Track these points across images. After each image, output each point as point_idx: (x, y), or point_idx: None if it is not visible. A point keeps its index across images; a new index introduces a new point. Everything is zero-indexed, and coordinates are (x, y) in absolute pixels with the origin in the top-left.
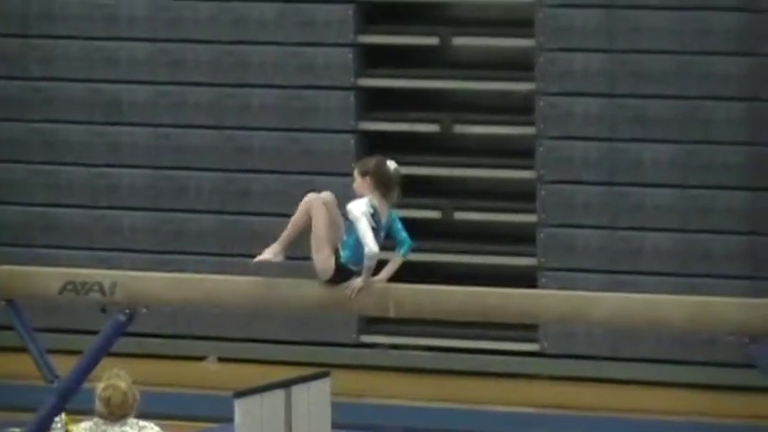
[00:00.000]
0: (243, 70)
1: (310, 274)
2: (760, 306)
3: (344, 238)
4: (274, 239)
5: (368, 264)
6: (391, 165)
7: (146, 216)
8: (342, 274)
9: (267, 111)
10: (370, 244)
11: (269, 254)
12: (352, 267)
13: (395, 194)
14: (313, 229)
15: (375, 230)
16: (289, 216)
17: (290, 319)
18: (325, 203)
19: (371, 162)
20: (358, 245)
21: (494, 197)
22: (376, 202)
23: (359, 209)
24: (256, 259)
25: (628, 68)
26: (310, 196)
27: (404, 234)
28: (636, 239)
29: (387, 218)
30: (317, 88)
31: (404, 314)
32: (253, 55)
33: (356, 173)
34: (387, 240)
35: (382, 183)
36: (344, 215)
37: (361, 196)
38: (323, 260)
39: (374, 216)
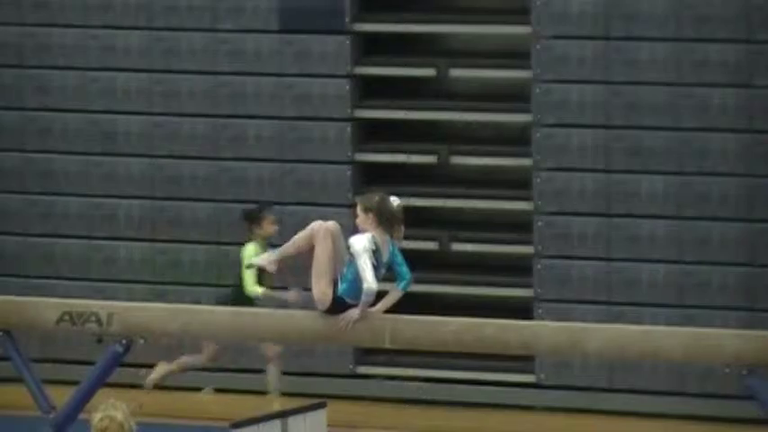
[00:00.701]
0: (238, 101)
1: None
2: (756, 337)
3: (344, 271)
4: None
5: (365, 299)
6: (394, 201)
7: (142, 247)
8: (338, 306)
9: (263, 142)
10: (370, 280)
11: (263, 260)
12: (349, 301)
13: (399, 231)
14: (315, 257)
15: (375, 267)
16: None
17: (286, 349)
18: (331, 233)
19: (374, 198)
20: (356, 279)
21: (490, 228)
22: (378, 239)
23: (361, 244)
24: (252, 260)
25: (623, 100)
26: (317, 223)
27: (404, 269)
28: (632, 270)
29: (388, 254)
30: (313, 119)
31: (400, 345)
32: (248, 86)
33: (359, 209)
34: (386, 272)
35: (385, 219)
36: (347, 247)
37: (363, 231)
38: (321, 291)
39: (376, 253)
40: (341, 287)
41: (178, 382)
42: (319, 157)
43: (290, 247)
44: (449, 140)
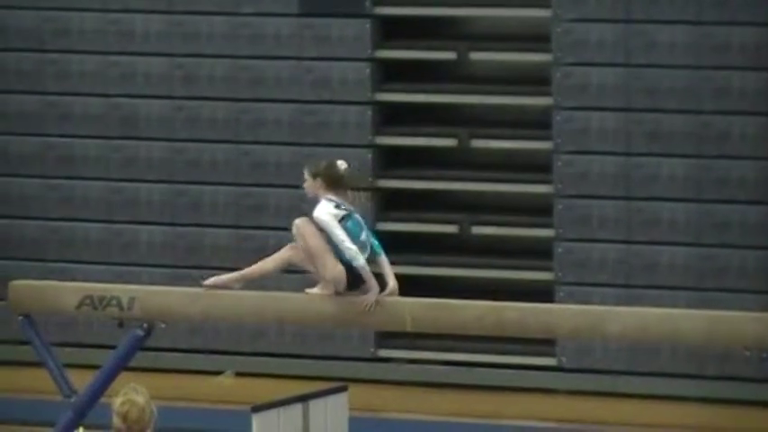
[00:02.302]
0: (258, 85)
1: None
2: None
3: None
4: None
5: (364, 275)
6: (342, 164)
7: (162, 230)
8: (353, 276)
9: (282, 126)
10: (354, 255)
11: (225, 280)
12: (356, 258)
13: (348, 194)
14: (310, 248)
15: (349, 215)
16: None
17: (307, 333)
18: (309, 221)
19: (321, 164)
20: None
21: (511, 212)
22: (335, 199)
23: (324, 211)
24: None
25: (644, 83)
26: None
27: (376, 242)
28: (651, 254)
29: (353, 207)
30: (333, 103)
31: (421, 328)
32: (268, 70)
33: (306, 174)
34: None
35: (333, 182)
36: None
37: (314, 198)
38: (332, 269)
39: (339, 207)
40: (343, 258)
41: (198, 365)
42: (339, 141)
43: (257, 271)
44: (469, 124)
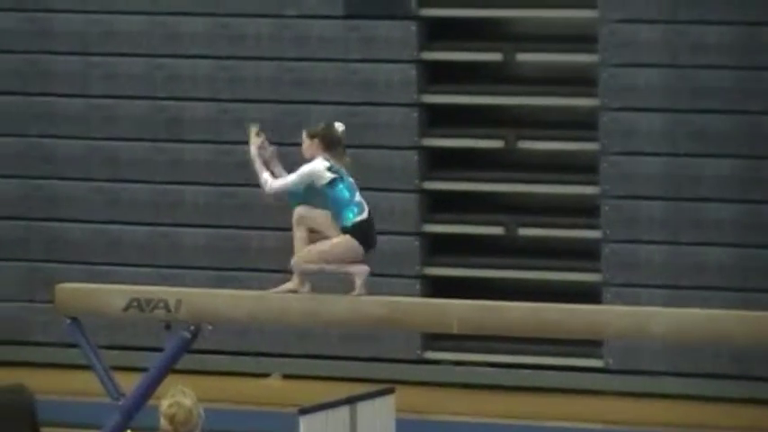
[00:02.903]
0: (304, 87)
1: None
2: None
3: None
4: None
5: (267, 186)
6: (339, 126)
7: (208, 233)
8: (357, 232)
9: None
10: (274, 184)
11: (291, 286)
12: (356, 219)
13: (344, 157)
14: (318, 227)
15: (341, 179)
16: None
17: (354, 335)
18: (306, 211)
19: (320, 125)
20: (336, 203)
21: (557, 213)
22: (330, 160)
23: (315, 163)
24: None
25: (690, 83)
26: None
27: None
28: (698, 254)
29: (344, 168)
30: (378, 105)
31: (467, 330)
32: (314, 72)
33: (305, 136)
34: None
35: (330, 143)
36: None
37: (310, 159)
38: (346, 243)
39: (331, 169)
40: (344, 219)
41: (245, 368)
42: (385, 143)
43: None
44: (515, 125)
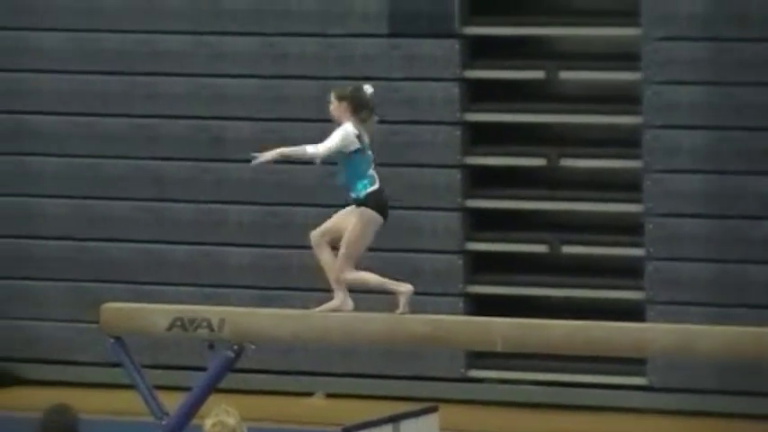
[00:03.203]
0: None
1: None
2: None
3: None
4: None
5: (301, 152)
6: (368, 89)
7: (252, 252)
8: (370, 202)
9: (372, 146)
10: (321, 148)
11: (340, 305)
12: (370, 189)
13: (372, 119)
14: (349, 236)
15: (362, 150)
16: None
17: (397, 353)
18: (319, 238)
19: (348, 88)
20: (354, 172)
21: (601, 231)
22: (358, 126)
23: (345, 128)
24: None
25: (733, 101)
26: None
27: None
28: (742, 272)
29: (368, 139)
30: (422, 123)
31: (511, 348)
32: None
33: (333, 97)
34: None
35: (358, 106)
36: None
37: (338, 121)
38: (363, 218)
39: (359, 137)
40: (356, 190)
41: (288, 387)
42: (428, 161)
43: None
44: (558, 143)
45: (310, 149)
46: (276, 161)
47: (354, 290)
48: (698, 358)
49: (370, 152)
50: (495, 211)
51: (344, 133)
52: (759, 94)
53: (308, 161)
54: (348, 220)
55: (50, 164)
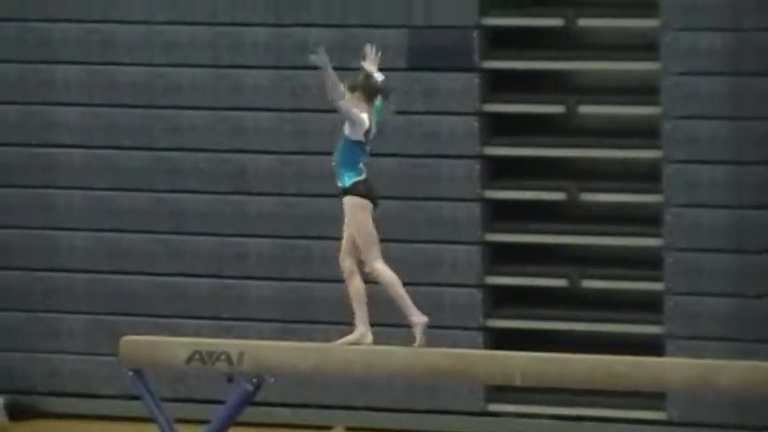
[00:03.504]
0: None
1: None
2: None
3: (338, 165)
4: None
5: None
6: (379, 76)
7: (272, 285)
8: (356, 191)
9: (392, 179)
10: (343, 104)
11: (359, 337)
12: (357, 179)
13: (386, 106)
14: (361, 234)
15: (362, 143)
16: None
17: (416, 386)
18: (350, 265)
19: (359, 77)
20: (347, 158)
21: (621, 265)
22: (370, 121)
23: (360, 116)
24: (343, 342)
25: (754, 135)
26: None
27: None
28: (763, 306)
29: (374, 133)
30: (441, 157)
31: (531, 382)
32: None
33: (345, 89)
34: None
35: (371, 94)
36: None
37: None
38: (355, 208)
39: (367, 132)
40: (344, 179)
41: (308, 420)
42: (448, 195)
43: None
44: (578, 177)
45: (339, 92)
46: (297, 194)
47: (374, 323)
48: (718, 393)
49: (368, 147)
50: (514, 244)
51: (360, 120)
52: None
53: (329, 96)
54: (353, 224)
55: (71, 197)
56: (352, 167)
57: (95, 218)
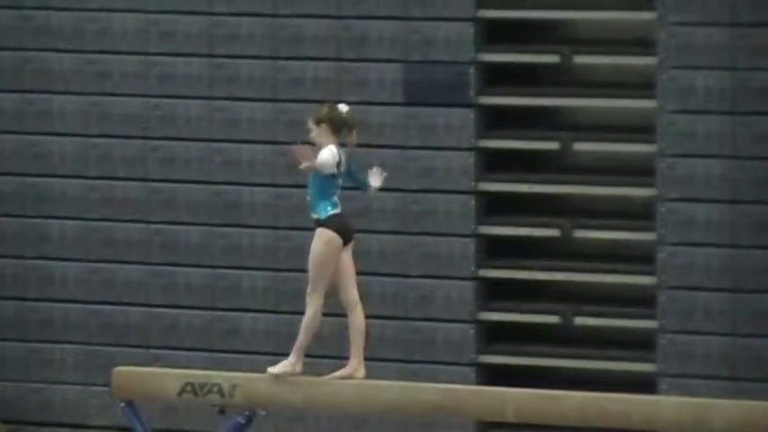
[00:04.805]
0: (363, 173)
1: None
2: None
3: (310, 198)
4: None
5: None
6: (343, 108)
7: (266, 318)
8: (331, 224)
9: (387, 214)
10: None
11: (287, 366)
12: (332, 211)
13: (352, 136)
14: (315, 262)
15: (334, 176)
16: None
17: (408, 421)
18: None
19: (323, 109)
20: (318, 193)
21: (614, 302)
22: (339, 152)
23: (327, 151)
24: (272, 370)
25: (749, 175)
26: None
27: (361, 174)
28: (756, 345)
29: (345, 165)
30: (437, 192)
31: (523, 419)
32: (373, 157)
33: (310, 123)
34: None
35: (337, 126)
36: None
37: (321, 146)
38: (322, 240)
39: (339, 164)
40: (320, 211)
41: None
42: (443, 230)
43: (305, 337)
44: (572, 214)
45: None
46: (290, 227)
47: (368, 357)
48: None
49: (340, 180)
50: (508, 280)
51: (330, 154)
52: None
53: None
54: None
55: (65, 227)
56: (327, 199)
57: (89, 248)
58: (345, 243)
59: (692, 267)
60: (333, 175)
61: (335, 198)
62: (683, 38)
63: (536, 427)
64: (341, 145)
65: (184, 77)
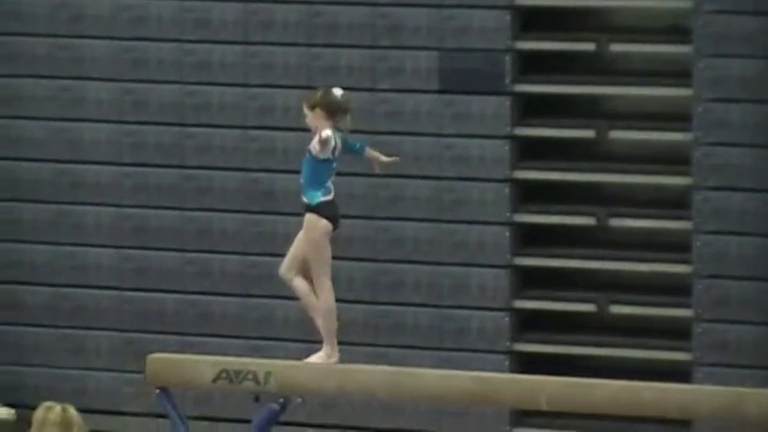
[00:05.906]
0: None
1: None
2: None
3: (303, 182)
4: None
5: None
6: (338, 92)
7: (299, 306)
8: (322, 210)
9: (421, 203)
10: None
11: (324, 357)
12: (323, 198)
13: (347, 120)
14: (312, 261)
15: (329, 161)
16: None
17: (441, 409)
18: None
19: (317, 94)
20: (312, 176)
21: (649, 291)
22: (335, 137)
23: (325, 134)
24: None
25: None
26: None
27: (355, 141)
28: None
29: (340, 150)
30: (471, 180)
31: (556, 407)
32: (407, 146)
33: (305, 108)
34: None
35: (332, 110)
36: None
37: (316, 130)
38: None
39: (334, 149)
40: (311, 197)
41: None
42: (477, 218)
43: (329, 323)
44: (608, 202)
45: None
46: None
47: (403, 345)
48: (745, 422)
49: (335, 164)
50: (542, 269)
51: (327, 137)
52: None
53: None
54: (303, 245)
55: (98, 214)
56: (320, 186)
57: (123, 235)
58: (334, 230)
59: (727, 256)
60: (327, 160)
61: (329, 183)
62: (719, 26)
63: (570, 416)
64: (337, 129)
65: (219, 65)
